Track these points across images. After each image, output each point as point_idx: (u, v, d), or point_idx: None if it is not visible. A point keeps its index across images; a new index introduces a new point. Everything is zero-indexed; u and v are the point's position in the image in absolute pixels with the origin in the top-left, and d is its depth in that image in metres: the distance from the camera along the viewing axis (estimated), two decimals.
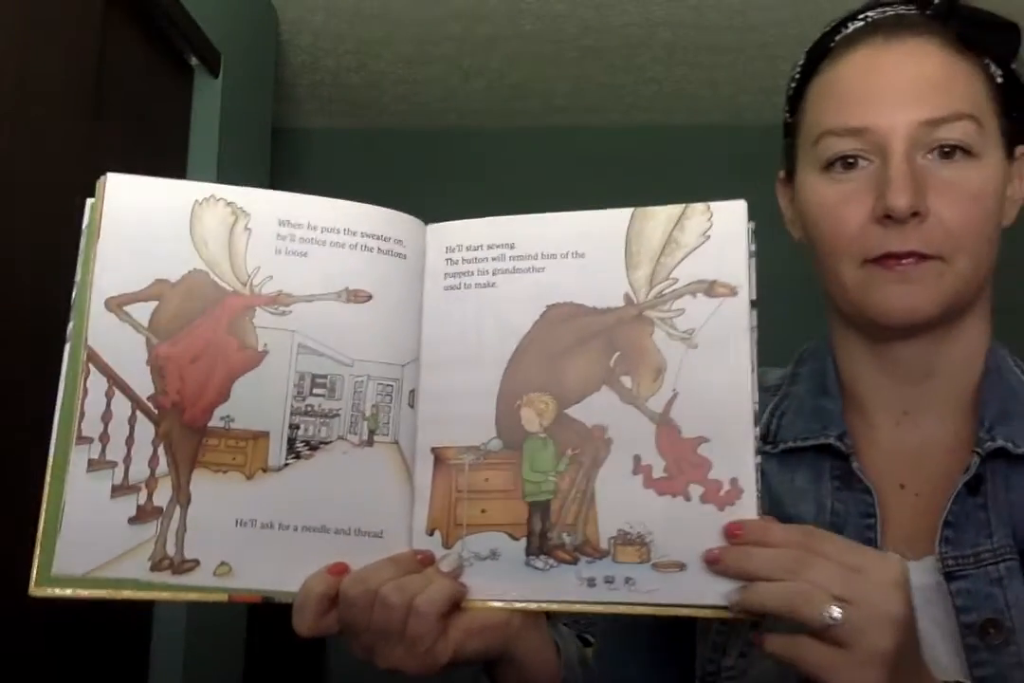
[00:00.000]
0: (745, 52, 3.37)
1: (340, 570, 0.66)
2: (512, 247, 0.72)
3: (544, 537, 0.67)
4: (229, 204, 0.71)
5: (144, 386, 0.68)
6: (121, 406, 0.68)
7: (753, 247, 0.68)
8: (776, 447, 0.83)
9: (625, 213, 0.71)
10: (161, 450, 0.68)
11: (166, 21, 2.36)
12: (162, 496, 0.67)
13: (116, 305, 0.69)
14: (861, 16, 0.81)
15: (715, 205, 0.69)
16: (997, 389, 0.79)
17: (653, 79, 3.62)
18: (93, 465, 0.67)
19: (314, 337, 0.70)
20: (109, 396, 0.68)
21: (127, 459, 0.67)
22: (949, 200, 0.74)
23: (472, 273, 0.72)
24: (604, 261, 0.70)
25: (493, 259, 0.72)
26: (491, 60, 3.47)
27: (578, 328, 0.70)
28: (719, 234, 0.69)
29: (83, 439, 0.67)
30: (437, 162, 3.99)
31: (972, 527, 0.74)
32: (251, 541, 0.67)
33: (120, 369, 0.68)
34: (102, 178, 0.71)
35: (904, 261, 0.74)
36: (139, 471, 0.67)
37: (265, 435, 0.69)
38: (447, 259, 0.73)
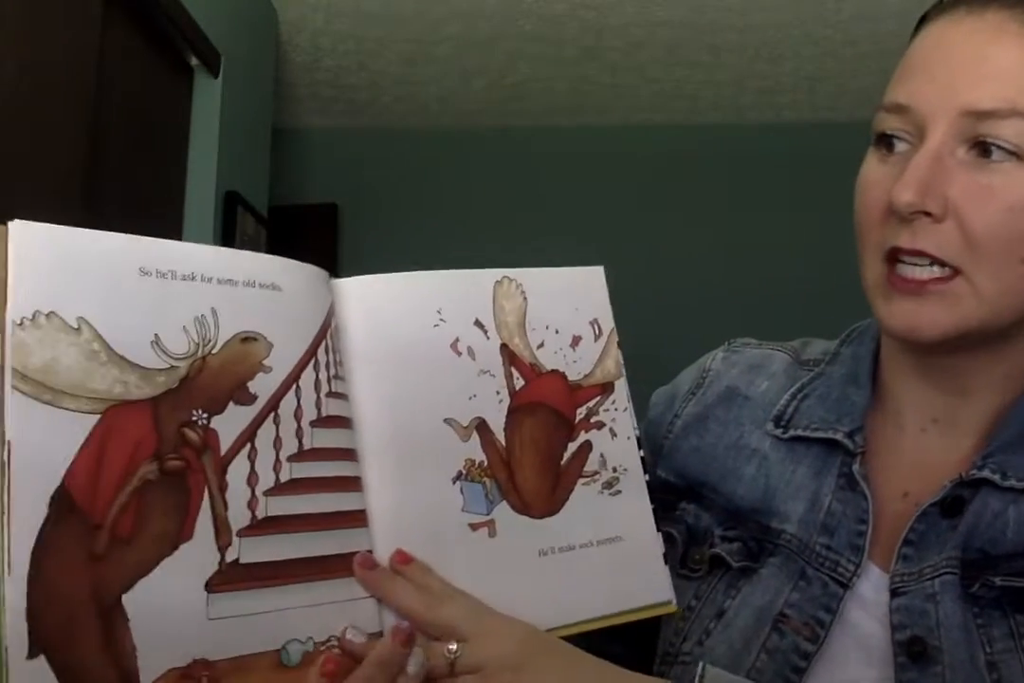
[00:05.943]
0: (745, 52, 3.36)
1: None
2: None
3: None
4: None
5: None
6: None
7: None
8: (786, 432, 0.78)
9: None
10: None
11: (166, 21, 2.36)
12: None
13: None
14: None
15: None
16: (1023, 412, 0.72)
17: (653, 79, 3.62)
18: None
19: None
20: None
21: None
22: (979, 206, 0.65)
23: None
24: None
25: None
26: (491, 60, 3.47)
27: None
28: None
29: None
30: (437, 162, 3.99)
31: (936, 546, 0.70)
32: None
33: None
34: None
35: (908, 260, 0.67)
36: None
37: None
38: None
